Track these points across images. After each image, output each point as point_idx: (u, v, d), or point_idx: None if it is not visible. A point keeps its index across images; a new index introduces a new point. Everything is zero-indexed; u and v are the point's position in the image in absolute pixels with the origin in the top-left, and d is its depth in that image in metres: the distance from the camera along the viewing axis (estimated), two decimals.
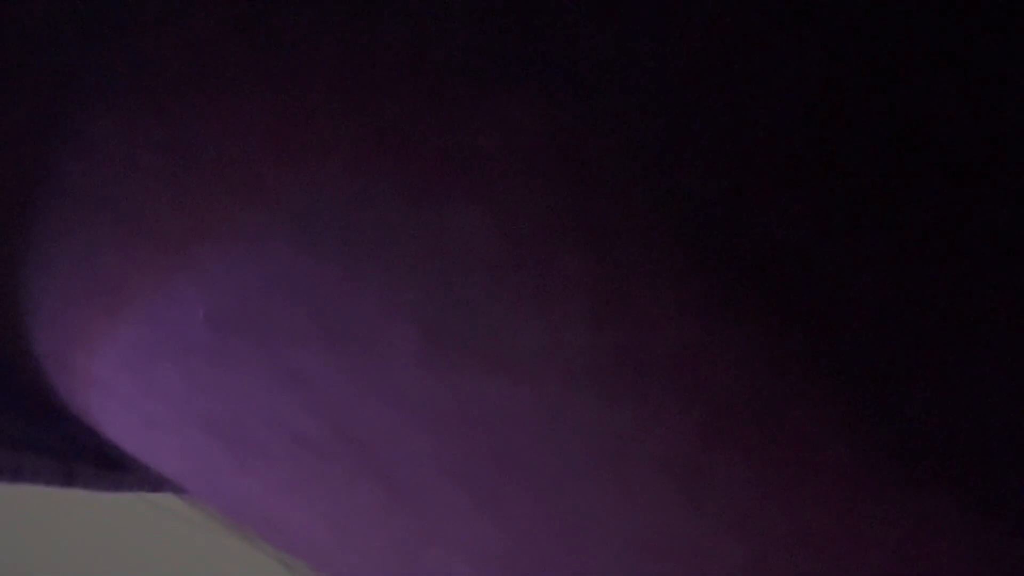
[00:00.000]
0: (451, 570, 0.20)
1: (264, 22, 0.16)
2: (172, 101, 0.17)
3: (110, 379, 0.20)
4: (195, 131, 0.17)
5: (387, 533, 0.20)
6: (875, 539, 0.17)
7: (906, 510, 0.17)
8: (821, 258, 0.16)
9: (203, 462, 0.21)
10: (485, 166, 0.16)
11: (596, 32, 0.15)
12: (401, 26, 0.16)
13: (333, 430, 0.19)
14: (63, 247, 0.19)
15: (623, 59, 0.15)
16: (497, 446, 0.18)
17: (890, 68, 0.15)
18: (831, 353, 0.16)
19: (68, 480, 0.25)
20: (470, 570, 0.20)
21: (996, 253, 0.15)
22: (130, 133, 0.17)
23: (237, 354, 0.18)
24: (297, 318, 0.18)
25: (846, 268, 0.16)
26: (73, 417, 0.23)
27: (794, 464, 0.17)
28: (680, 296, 0.16)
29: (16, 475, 0.24)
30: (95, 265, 0.19)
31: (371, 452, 0.19)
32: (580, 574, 0.19)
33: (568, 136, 0.16)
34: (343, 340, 0.18)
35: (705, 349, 0.16)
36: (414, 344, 0.17)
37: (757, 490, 0.17)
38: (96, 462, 0.25)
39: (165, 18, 0.16)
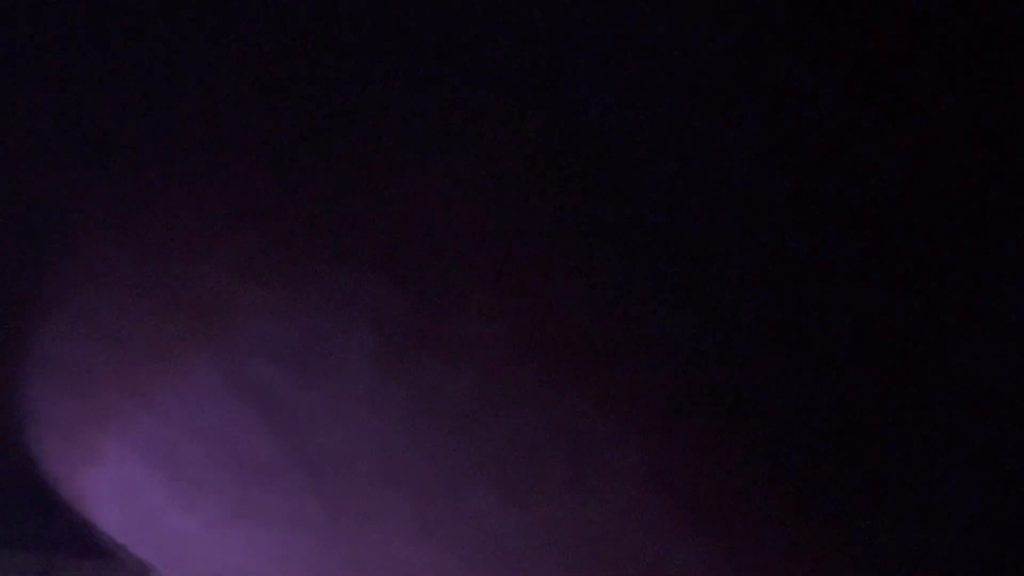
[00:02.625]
0: None
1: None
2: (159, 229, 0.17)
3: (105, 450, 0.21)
4: (176, 259, 0.17)
5: (327, 566, 0.20)
6: None
7: None
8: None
9: (145, 503, 0.21)
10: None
11: None
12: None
13: (282, 447, 0.19)
14: (62, 349, 0.19)
15: None
16: (454, 446, 0.18)
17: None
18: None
19: (46, 572, 0.25)
20: None
21: None
22: (119, 259, 0.18)
23: (196, 369, 0.19)
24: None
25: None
26: (57, 500, 0.23)
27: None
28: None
29: None
30: (90, 375, 0.19)
31: (318, 470, 0.19)
32: None
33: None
34: (298, 350, 0.18)
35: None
36: (368, 343, 0.18)
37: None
38: (77, 552, 0.25)
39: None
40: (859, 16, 0.15)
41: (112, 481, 0.21)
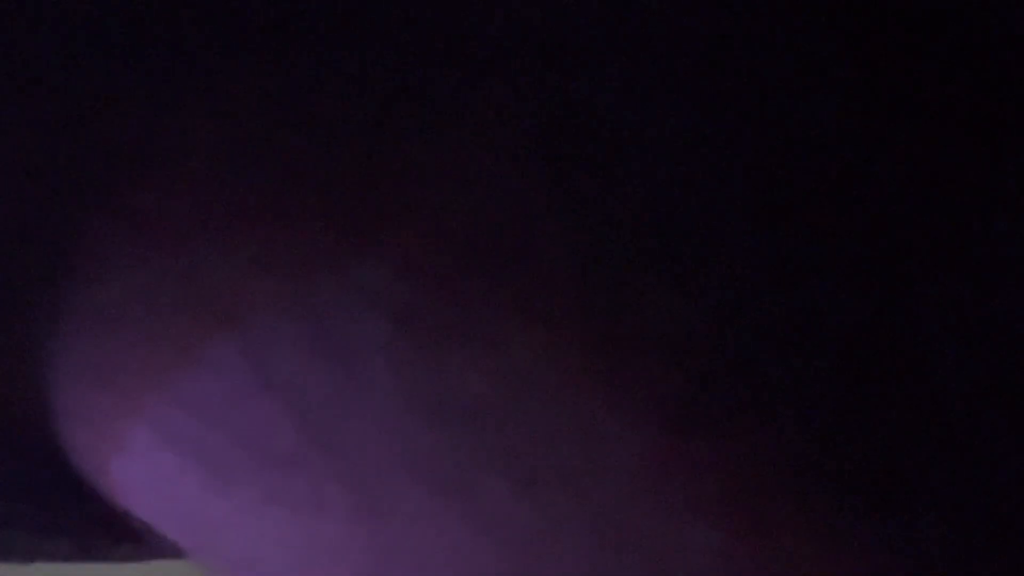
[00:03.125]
0: None
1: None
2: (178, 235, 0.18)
3: (129, 432, 0.21)
4: (197, 256, 0.18)
5: (352, 557, 0.20)
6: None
7: None
8: None
9: (175, 490, 0.21)
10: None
11: None
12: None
13: (305, 437, 0.19)
14: (87, 342, 0.20)
15: None
16: (474, 440, 0.18)
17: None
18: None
19: (84, 555, 0.25)
20: None
21: None
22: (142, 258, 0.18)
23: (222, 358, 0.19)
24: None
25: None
26: (89, 486, 0.23)
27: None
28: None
29: (32, 556, 0.24)
30: (114, 358, 0.20)
31: (340, 459, 0.19)
32: None
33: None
34: (320, 343, 0.18)
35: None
36: (386, 334, 0.18)
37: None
38: (111, 533, 0.25)
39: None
40: (860, 15, 0.15)
41: (143, 469, 0.21)
